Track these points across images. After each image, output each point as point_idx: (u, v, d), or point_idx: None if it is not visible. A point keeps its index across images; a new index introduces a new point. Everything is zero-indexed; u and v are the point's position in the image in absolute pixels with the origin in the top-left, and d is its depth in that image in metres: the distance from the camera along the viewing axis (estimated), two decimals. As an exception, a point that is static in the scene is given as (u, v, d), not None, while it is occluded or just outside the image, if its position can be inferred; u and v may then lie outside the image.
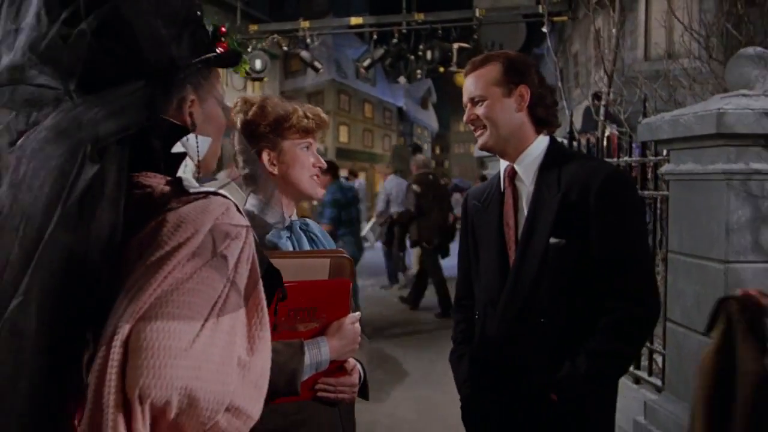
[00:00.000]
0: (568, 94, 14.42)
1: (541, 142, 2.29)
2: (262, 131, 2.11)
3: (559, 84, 6.96)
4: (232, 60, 1.30)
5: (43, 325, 1.01)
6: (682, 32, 5.35)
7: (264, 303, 1.15)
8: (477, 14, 12.03)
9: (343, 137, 35.79)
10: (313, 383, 1.94)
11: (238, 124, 2.13)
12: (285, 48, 12.89)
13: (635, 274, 2.14)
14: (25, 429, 1.01)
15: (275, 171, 2.12)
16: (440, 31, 12.38)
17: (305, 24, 12.65)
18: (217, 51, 1.26)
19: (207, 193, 1.13)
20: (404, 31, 12.52)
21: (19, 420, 1.01)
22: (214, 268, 1.04)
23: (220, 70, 1.36)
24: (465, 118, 2.32)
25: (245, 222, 1.15)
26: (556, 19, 10.07)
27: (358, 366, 2.07)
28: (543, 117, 2.28)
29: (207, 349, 0.99)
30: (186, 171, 1.26)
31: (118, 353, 0.95)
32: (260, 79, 13.29)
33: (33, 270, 1.01)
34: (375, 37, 13.06)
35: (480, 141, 2.30)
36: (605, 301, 2.12)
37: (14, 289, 1.01)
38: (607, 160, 4.80)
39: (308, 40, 12.67)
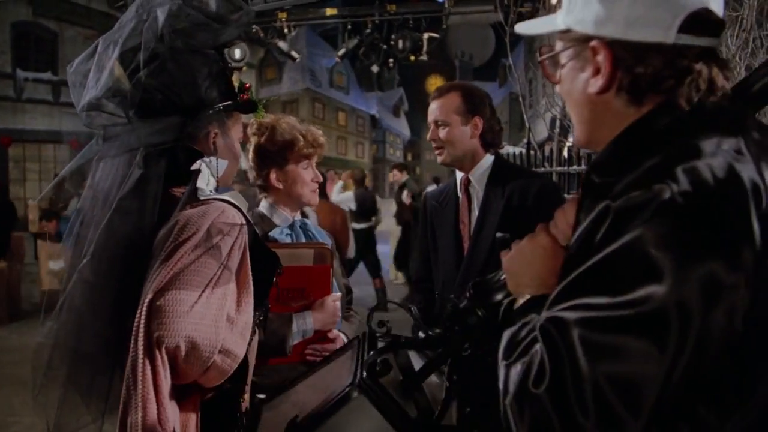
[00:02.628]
0: (536, 104, 14.61)
1: (489, 159, 2.86)
2: (271, 154, 2.57)
3: (520, 98, 7.41)
4: (250, 108, 1.82)
5: (101, 277, 1.58)
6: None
7: (250, 277, 1.62)
8: (446, 5, 12.42)
9: (317, 145, 35.91)
10: (303, 349, 2.43)
11: (253, 145, 2.58)
12: (262, 36, 13.01)
13: None
14: (95, 344, 1.58)
15: (280, 186, 2.60)
16: (411, 22, 12.63)
17: (282, 15, 12.83)
18: (240, 100, 1.77)
19: (211, 200, 1.62)
20: (377, 21, 12.76)
21: (93, 337, 1.58)
22: (211, 255, 1.53)
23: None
24: (429, 136, 2.86)
25: (239, 220, 1.63)
26: (522, 9, 10.40)
27: (342, 336, 2.57)
28: (490, 141, 2.85)
29: (203, 310, 1.47)
30: (209, 184, 1.74)
31: (144, 314, 1.44)
32: (239, 69, 13.60)
33: (97, 241, 1.53)
34: (349, 27, 13.36)
35: (440, 158, 2.86)
36: None
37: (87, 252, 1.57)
38: (558, 168, 5.35)
39: (285, 30, 12.95)
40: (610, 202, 1.01)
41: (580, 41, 1.19)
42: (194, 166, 1.70)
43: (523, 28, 1.39)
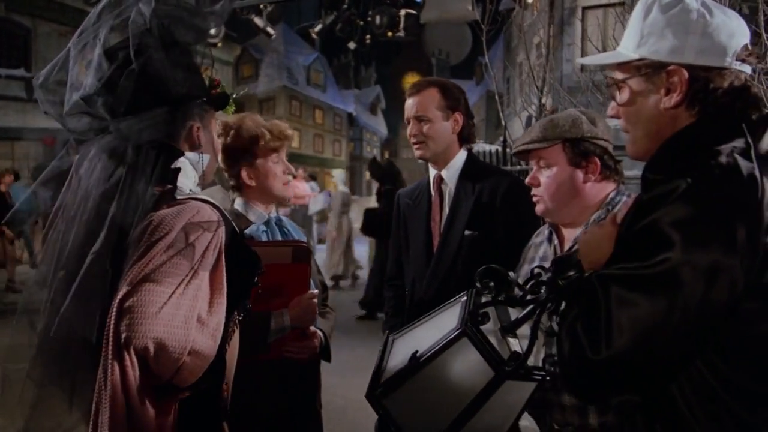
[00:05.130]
0: (513, 102, 14.55)
1: (462, 155, 2.90)
2: (239, 152, 2.60)
3: (497, 97, 7.44)
4: (223, 101, 1.82)
5: (80, 277, 1.55)
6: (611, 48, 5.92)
7: (224, 278, 1.62)
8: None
9: (295, 142, 34.57)
10: (281, 346, 2.44)
11: (221, 146, 2.57)
12: (237, 11, 12.85)
13: None
14: (75, 344, 1.56)
15: (253, 183, 2.63)
16: (388, -3, 12.67)
17: (259, -12, 12.62)
18: (213, 94, 1.79)
19: (188, 199, 1.63)
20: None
21: (73, 337, 1.55)
22: (183, 256, 1.53)
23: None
24: (409, 131, 2.87)
25: (216, 219, 1.62)
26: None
27: (319, 333, 2.60)
28: (467, 136, 2.90)
29: (173, 311, 1.47)
30: (189, 179, 1.74)
31: (114, 315, 1.45)
32: (214, 45, 13.52)
33: (74, 240, 1.57)
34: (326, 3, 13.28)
35: (419, 152, 2.87)
36: None
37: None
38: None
39: (261, 6, 12.80)
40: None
41: (654, 67, 1.45)
42: (175, 164, 1.69)
43: (588, 60, 1.80)
